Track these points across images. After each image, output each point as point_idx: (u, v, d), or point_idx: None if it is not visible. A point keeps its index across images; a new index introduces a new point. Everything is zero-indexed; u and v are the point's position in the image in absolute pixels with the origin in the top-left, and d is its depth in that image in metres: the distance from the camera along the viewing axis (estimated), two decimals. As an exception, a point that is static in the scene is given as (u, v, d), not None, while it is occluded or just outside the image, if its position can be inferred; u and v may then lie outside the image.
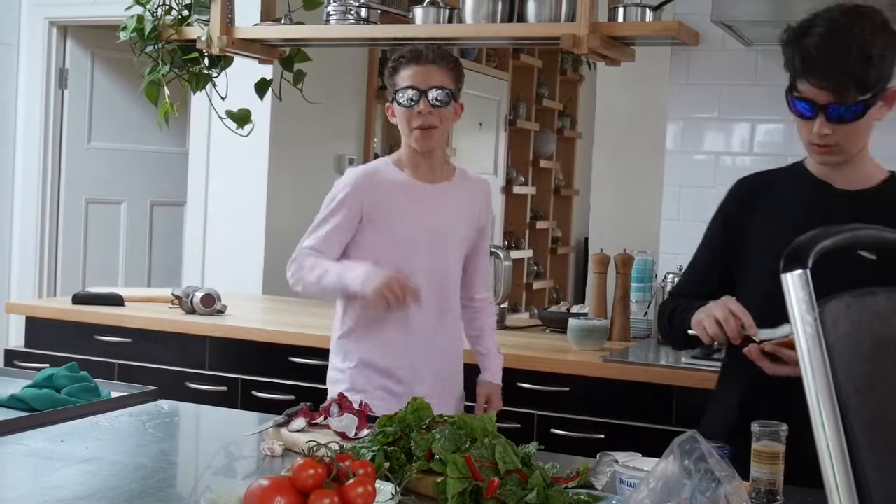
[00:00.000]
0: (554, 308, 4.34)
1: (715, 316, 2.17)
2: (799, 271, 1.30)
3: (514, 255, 7.19)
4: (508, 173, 7.32)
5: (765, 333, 2.13)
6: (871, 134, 2.29)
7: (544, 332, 3.95)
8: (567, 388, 3.36)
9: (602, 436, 3.27)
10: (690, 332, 2.28)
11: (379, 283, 2.72)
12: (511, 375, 3.40)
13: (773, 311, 2.21)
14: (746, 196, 2.44)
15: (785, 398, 2.20)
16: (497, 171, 7.24)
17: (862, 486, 1.25)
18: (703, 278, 2.48)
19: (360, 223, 2.89)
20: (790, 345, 2.03)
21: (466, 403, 3.09)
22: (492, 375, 3.10)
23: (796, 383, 2.20)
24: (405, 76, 2.87)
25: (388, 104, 2.96)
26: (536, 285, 7.65)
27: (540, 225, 7.67)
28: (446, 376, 3.01)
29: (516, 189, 7.33)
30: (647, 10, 3.69)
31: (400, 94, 2.87)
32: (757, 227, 2.36)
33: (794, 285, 1.30)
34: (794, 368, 1.94)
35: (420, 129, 2.86)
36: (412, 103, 2.84)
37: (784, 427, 1.83)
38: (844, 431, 1.26)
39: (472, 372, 3.12)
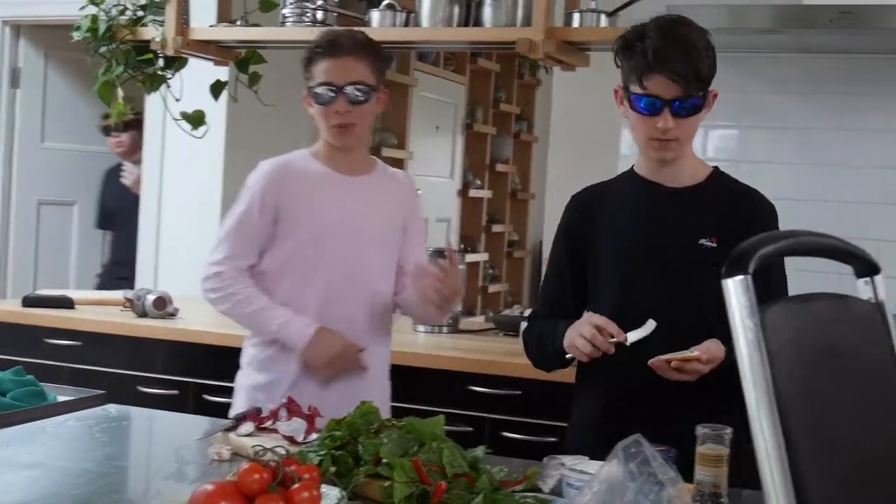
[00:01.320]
0: (507, 311, 4.35)
1: (582, 335, 2.31)
2: (740, 277, 1.31)
3: (470, 258, 7.20)
4: (465, 177, 7.32)
5: (634, 335, 2.30)
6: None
7: (497, 336, 3.96)
8: (519, 392, 3.36)
9: (554, 439, 3.27)
10: (568, 355, 2.40)
11: (329, 356, 2.71)
12: (463, 379, 3.41)
13: (624, 308, 2.40)
14: (583, 209, 2.56)
15: (640, 407, 2.36)
16: (453, 175, 7.25)
17: (801, 492, 1.26)
18: (561, 297, 2.58)
19: (275, 218, 2.77)
20: (694, 360, 2.23)
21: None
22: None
23: (650, 393, 2.35)
24: (321, 70, 2.73)
25: (305, 93, 2.80)
26: (492, 289, 7.66)
27: (496, 229, 7.68)
28: (364, 374, 2.86)
29: (472, 193, 7.33)
30: (603, 15, 3.70)
31: (315, 91, 2.73)
32: (600, 236, 2.49)
33: (736, 291, 1.31)
34: (692, 377, 2.25)
35: (338, 126, 2.76)
36: (329, 100, 2.72)
37: (728, 430, 1.84)
38: (784, 437, 1.28)
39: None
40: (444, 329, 3.96)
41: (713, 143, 3.96)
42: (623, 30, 3.66)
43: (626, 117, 2.48)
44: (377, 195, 2.89)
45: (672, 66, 2.32)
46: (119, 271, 5.22)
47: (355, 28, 2.98)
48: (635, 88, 2.38)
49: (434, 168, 6.95)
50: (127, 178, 5.22)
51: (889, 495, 1.39)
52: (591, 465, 1.89)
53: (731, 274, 1.32)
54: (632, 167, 2.56)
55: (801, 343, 1.37)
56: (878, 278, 1.60)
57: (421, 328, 3.96)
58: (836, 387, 1.40)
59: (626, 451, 1.58)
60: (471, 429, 3.34)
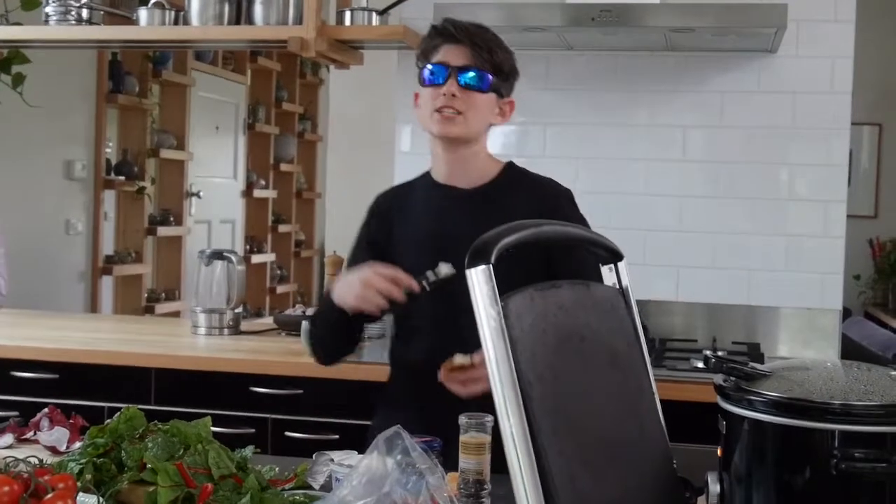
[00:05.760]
0: (290, 311, 4.32)
1: (377, 287, 2.17)
2: (482, 266, 1.35)
3: (256, 259, 7.14)
4: (249, 177, 7.25)
5: (428, 276, 2.16)
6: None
7: (280, 336, 3.93)
8: (301, 391, 3.35)
9: (336, 436, 3.28)
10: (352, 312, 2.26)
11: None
12: (244, 380, 3.37)
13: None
14: (384, 211, 2.49)
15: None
16: (237, 176, 7.17)
17: (545, 471, 1.31)
18: None
19: None
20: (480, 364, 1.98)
21: None
22: None
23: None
24: None
25: None
26: (280, 289, 7.61)
27: (283, 228, 7.64)
28: None
29: (257, 193, 7.27)
30: (374, 14, 3.73)
31: None
32: (399, 238, 2.43)
33: (479, 280, 1.34)
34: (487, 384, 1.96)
35: None
36: None
37: (489, 418, 1.87)
38: (528, 419, 1.32)
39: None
40: (225, 331, 3.89)
41: (492, 139, 4.03)
42: (395, 27, 3.73)
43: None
44: None
45: (459, 35, 2.30)
46: None
47: None
48: (424, 64, 2.33)
49: (216, 169, 6.87)
50: None
51: (624, 471, 1.45)
52: (358, 459, 1.90)
53: (474, 264, 1.35)
54: (429, 170, 2.50)
55: (545, 329, 1.42)
56: (621, 265, 1.67)
57: (201, 330, 3.89)
58: (579, 369, 1.45)
59: (387, 443, 1.60)
60: (252, 430, 3.30)
